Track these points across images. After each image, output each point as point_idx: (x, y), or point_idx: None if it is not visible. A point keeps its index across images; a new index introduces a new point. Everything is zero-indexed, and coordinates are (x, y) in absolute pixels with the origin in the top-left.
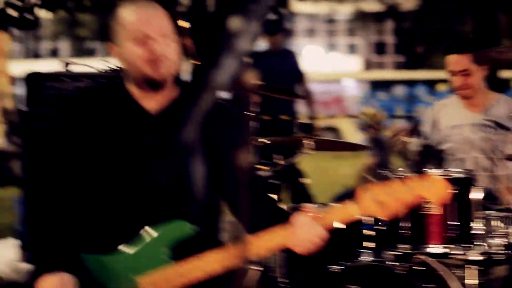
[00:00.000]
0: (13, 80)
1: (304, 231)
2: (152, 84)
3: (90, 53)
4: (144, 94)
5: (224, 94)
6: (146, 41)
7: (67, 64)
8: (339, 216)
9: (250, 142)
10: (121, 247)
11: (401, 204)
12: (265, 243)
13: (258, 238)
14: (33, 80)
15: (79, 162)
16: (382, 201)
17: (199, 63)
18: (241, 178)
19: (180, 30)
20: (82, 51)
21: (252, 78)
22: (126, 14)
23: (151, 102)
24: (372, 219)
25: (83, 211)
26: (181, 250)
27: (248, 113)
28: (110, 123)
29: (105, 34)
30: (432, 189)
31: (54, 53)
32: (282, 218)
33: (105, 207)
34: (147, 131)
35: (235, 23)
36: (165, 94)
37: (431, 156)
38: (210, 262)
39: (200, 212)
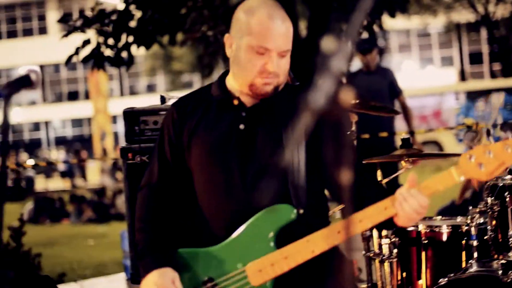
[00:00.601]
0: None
1: (408, 204)
2: (259, 94)
3: (186, 86)
4: (246, 92)
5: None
6: (264, 54)
7: (163, 98)
8: (443, 183)
9: (352, 161)
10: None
11: (501, 163)
12: (369, 218)
13: (362, 213)
14: (130, 116)
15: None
16: (482, 163)
17: (295, 86)
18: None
19: None
20: (178, 85)
21: (349, 97)
22: (257, 18)
23: (247, 97)
24: (476, 229)
25: (188, 208)
26: (286, 234)
27: (348, 133)
28: (209, 112)
29: (227, 21)
30: None
31: (151, 89)
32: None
33: (207, 200)
34: (241, 120)
35: (329, 44)
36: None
37: None
38: (316, 242)
39: (304, 195)
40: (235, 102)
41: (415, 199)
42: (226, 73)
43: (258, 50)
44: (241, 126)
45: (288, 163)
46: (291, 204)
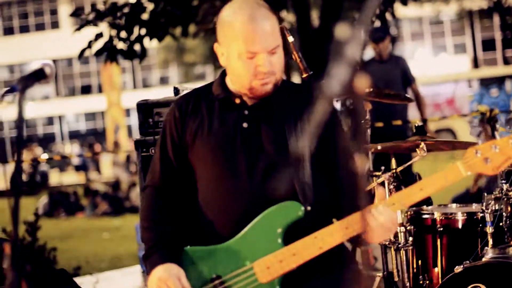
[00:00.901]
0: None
1: (380, 221)
2: (259, 95)
3: (199, 77)
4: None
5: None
6: (255, 57)
7: (177, 90)
8: (449, 178)
9: (366, 149)
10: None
11: (508, 158)
12: (343, 231)
13: (338, 225)
14: (144, 108)
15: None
16: (488, 157)
17: (309, 75)
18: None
19: (288, 45)
20: (191, 77)
21: (363, 86)
22: (239, 23)
23: (252, 98)
24: (491, 216)
25: (193, 206)
26: (294, 231)
27: (362, 121)
28: (211, 111)
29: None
30: None
31: (164, 81)
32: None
33: (213, 198)
34: (244, 119)
35: (343, 31)
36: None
37: None
38: (324, 238)
39: (311, 192)
40: (237, 101)
41: (382, 216)
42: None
43: (247, 55)
44: (245, 125)
45: (294, 159)
46: (298, 201)
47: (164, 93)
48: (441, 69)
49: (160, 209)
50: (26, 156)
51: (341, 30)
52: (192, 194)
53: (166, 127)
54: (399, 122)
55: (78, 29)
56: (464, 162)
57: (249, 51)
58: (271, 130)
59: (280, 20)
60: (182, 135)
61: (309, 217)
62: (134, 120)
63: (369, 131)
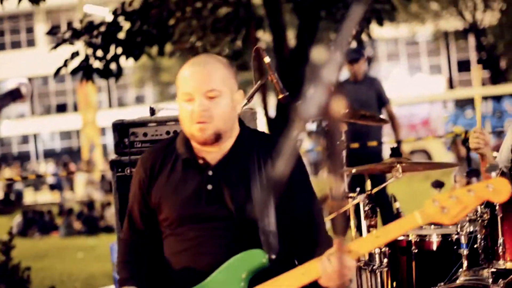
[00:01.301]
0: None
1: (335, 268)
2: (200, 143)
3: (174, 97)
4: (201, 147)
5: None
6: (191, 100)
7: (153, 110)
8: (406, 226)
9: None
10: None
11: (464, 207)
12: (300, 276)
13: (296, 271)
14: (120, 128)
15: (153, 204)
16: (445, 207)
17: (285, 96)
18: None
19: (264, 66)
20: (167, 96)
21: (339, 107)
22: (182, 70)
23: (211, 153)
24: (466, 238)
25: (161, 250)
26: (259, 278)
27: (338, 142)
28: (176, 172)
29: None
30: (495, 189)
31: (139, 100)
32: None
33: (179, 245)
34: (208, 180)
35: (319, 53)
36: (225, 144)
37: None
38: (280, 284)
39: (275, 241)
40: (200, 161)
41: (338, 262)
42: None
43: (183, 97)
44: (209, 187)
45: (258, 213)
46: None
47: (140, 112)
48: (416, 89)
49: (130, 263)
50: (8, 174)
51: (317, 52)
52: (159, 247)
53: (133, 184)
54: (374, 143)
55: (55, 47)
56: (421, 211)
57: (184, 91)
58: (235, 189)
59: (255, 40)
60: (148, 196)
61: (275, 264)
62: (109, 139)
63: (344, 152)
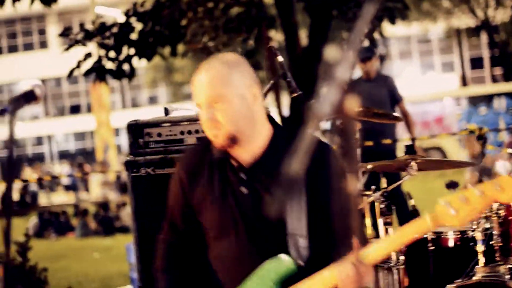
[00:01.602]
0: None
1: (350, 276)
2: (220, 148)
3: (187, 97)
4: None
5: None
6: (201, 109)
7: (167, 110)
8: (418, 230)
9: (356, 169)
10: None
11: (473, 209)
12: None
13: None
14: (134, 128)
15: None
16: (455, 208)
17: (298, 95)
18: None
19: (277, 65)
20: (180, 96)
21: (353, 105)
22: (195, 77)
23: (243, 154)
24: (482, 235)
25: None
26: (286, 285)
27: (352, 140)
28: (212, 173)
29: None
30: (502, 188)
31: (153, 101)
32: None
33: (216, 247)
34: (242, 182)
35: (332, 52)
36: (254, 145)
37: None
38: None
39: (304, 245)
40: (234, 163)
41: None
42: None
43: (197, 106)
44: (243, 190)
45: (288, 217)
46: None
47: (154, 112)
48: (429, 87)
49: (170, 263)
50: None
51: (330, 51)
52: (202, 246)
53: (173, 184)
54: (388, 141)
55: (67, 48)
56: (432, 215)
57: (196, 102)
58: (267, 192)
59: (267, 39)
60: (189, 194)
61: (304, 270)
62: (123, 139)
63: (359, 150)
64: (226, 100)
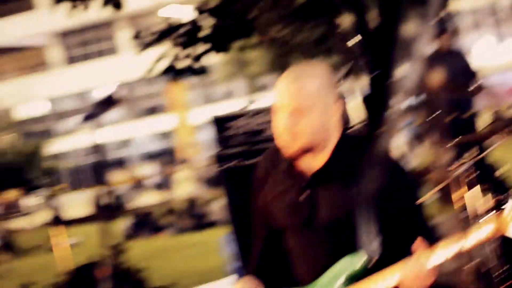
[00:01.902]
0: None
1: (414, 275)
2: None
3: (263, 89)
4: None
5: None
6: (279, 114)
7: (248, 102)
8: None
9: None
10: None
11: None
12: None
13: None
14: (219, 123)
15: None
16: None
17: (376, 75)
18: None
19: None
20: (255, 88)
21: (435, 80)
22: (280, 79)
23: (307, 162)
24: None
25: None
26: (357, 280)
27: (438, 114)
28: (278, 177)
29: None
30: None
31: (228, 95)
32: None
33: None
34: (304, 190)
35: (409, 29)
36: (321, 153)
37: None
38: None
39: (377, 245)
40: (297, 170)
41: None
42: None
43: (275, 109)
44: (304, 197)
45: (358, 221)
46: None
47: (230, 107)
48: (504, 57)
49: (264, 260)
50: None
51: (407, 28)
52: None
53: (254, 183)
54: (468, 114)
55: (142, 50)
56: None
57: (274, 102)
58: (333, 197)
59: (333, 26)
60: (260, 196)
61: (375, 267)
62: (203, 135)
63: (445, 124)
64: (310, 112)
